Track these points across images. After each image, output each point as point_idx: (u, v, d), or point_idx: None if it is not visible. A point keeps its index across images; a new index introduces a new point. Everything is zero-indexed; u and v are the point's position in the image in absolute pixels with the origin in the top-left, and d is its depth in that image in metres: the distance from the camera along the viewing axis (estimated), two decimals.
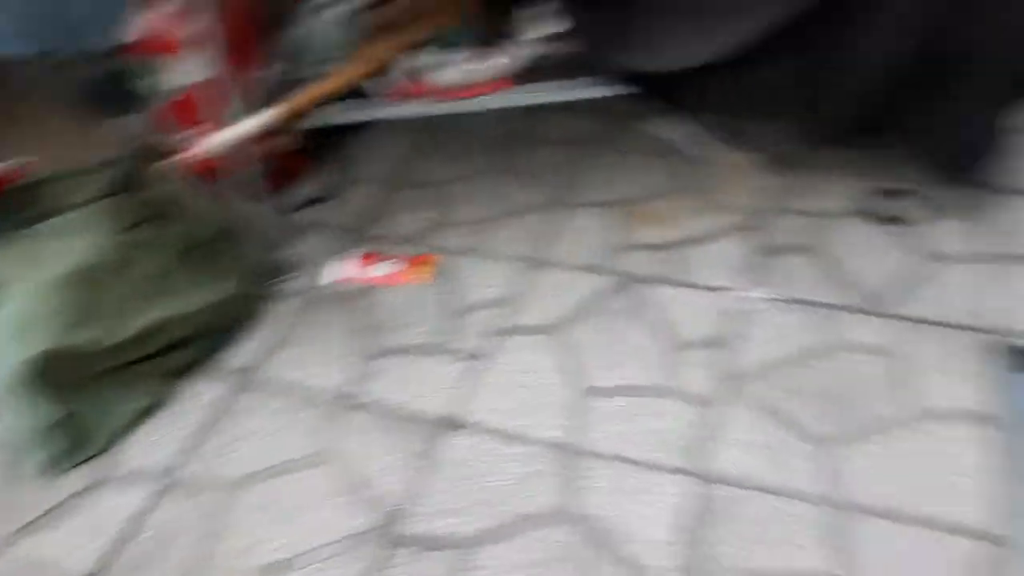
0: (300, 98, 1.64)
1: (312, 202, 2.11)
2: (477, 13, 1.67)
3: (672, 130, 2.06)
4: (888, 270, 1.74)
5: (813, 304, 1.70)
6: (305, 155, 2.16)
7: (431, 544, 1.43)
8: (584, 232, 1.94)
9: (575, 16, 1.47)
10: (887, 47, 1.45)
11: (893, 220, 1.82)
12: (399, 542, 1.44)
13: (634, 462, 1.50)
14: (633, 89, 1.57)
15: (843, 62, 1.50)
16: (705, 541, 1.38)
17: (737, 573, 1.34)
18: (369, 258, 1.91)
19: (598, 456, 1.52)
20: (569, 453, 1.53)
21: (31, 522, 1.54)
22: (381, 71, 1.65)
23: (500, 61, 1.66)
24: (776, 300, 1.72)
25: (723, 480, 1.46)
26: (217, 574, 1.43)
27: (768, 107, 1.63)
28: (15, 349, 1.50)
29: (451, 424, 1.61)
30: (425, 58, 1.66)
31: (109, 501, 1.56)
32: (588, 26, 1.47)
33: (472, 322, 1.78)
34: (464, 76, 1.64)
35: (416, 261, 1.90)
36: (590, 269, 1.86)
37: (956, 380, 1.54)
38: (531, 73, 1.66)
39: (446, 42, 1.69)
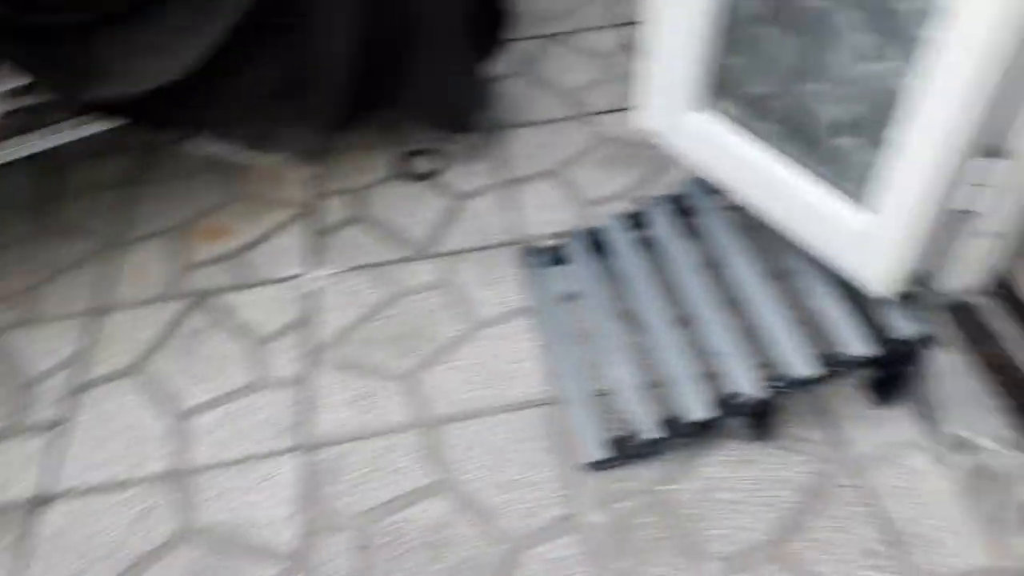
0: None
1: None
2: None
3: (212, 144, 2.12)
4: (428, 218, 1.99)
5: (372, 265, 1.89)
6: None
7: None
8: (146, 265, 1.92)
9: (31, 65, 1.44)
10: (336, 39, 1.65)
11: (424, 176, 2.08)
12: None
13: (241, 459, 1.56)
14: (123, 120, 1.59)
15: (307, 59, 1.67)
16: (322, 500, 1.49)
17: (357, 517, 1.47)
18: None
19: (207, 468, 1.55)
20: (177, 478, 1.53)
21: None
22: None
23: None
24: (339, 272, 1.88)
25: (327, 443, 1.57)
26: None
27: (262, 111, 1.77)
28: None
29: (43, 500, 1.51)
30: None
31: None
32: (49, 70, 1.45)
33: (43, 392, 1.68)
34: None
35: None
36: (160, 299, 1.85)
37: (498, 289, 1.82)
38: (9, 127, 1.59)
39: None
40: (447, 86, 1.94)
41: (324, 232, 1.98)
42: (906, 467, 1.46)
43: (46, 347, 1.76)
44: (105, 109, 1.59)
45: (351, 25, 1.64)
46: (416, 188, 2.07)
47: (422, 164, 2.12)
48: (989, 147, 1.21)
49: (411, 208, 2.02)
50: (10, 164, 1.84)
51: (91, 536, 1.46)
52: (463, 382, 1.66)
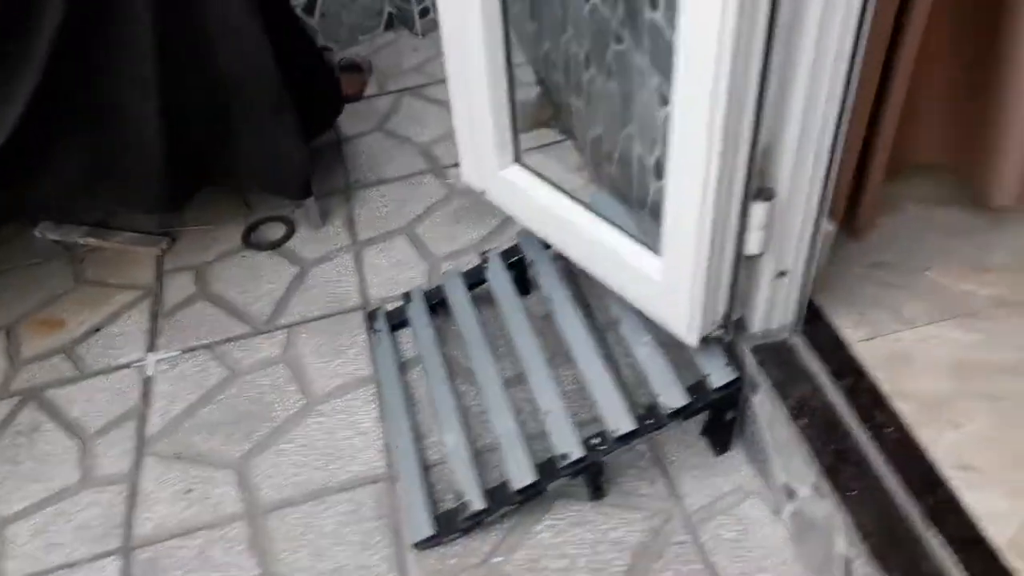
0: None
1: None
2: None
3: (57, 229, 2.06)
4: (272, 290, 1.93)
5: (210, 345, 1.83)
6: None
7: None
8: None
9: None
10: (140, 115, 1.62)
11: (271, 245, 2.03)
12: None
13: (55, 569, 1.48)
14: None
15: (116, 138, 1.63)
16: None
17: None
18: None
19: None
20: None
21: None
22: None
23: None
24: (176, 355, 1.81)
25: (149, 542, 1.49)
26: None
27: (82, 194, 1.72)
28: None
29: None
30: None
31: None
32: None
33: None
34: None
35: None
36: None
37: (340, 359, 1.76)
38: None
39: None
40: (277, 155, 1.90)
41: (165, 314, 1.91)
42: (740, 517, 1.42)
43: None
44: None
45: (151, 99, 1.60)
46: (263, 258, 2.02)
47: (269, 233, 2.07)
48: (762, 190, 1.18)
49: (256, 280, 1.96)
50: None
51: None
52: (296, 464, 1.59)
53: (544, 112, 2.22)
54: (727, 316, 1.36)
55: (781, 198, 1.19)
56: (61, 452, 1.66)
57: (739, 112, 1.07)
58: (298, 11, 2.43)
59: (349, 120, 2.32)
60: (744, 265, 1.28)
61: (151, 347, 1.84)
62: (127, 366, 1.81)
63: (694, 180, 1.15)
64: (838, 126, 1.13)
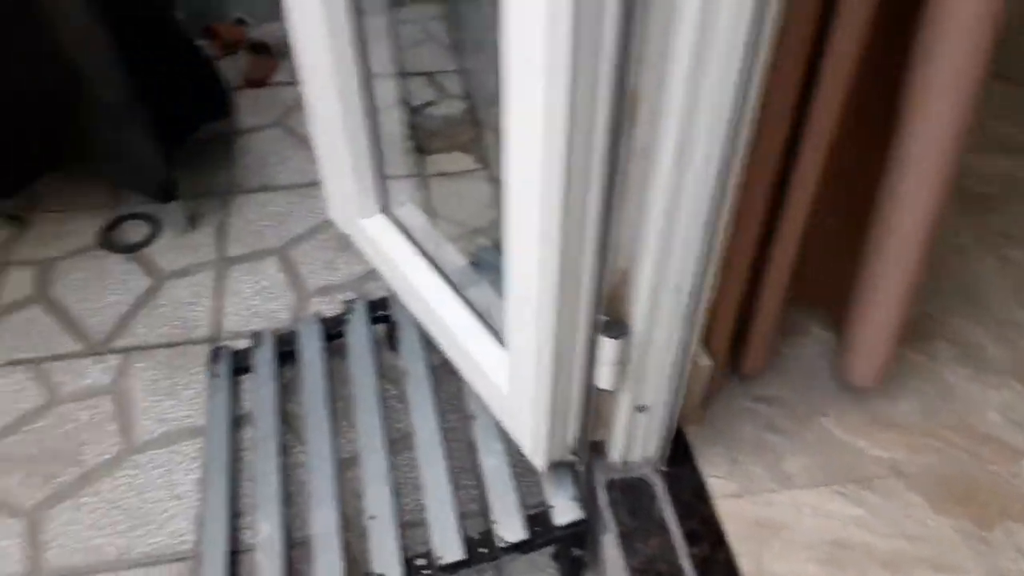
0: None
1: None
2: None
3: None
4: (118, 302, 1.72)
5: (33, 361, 1.61)
6: None
7: None
8: None
9: None
10: None
11: (129, 248, 1.81)
12: None
13: None
14: None
15: None
16: None
17: None
18: None
19: None
20: None
21: None
22: None
23: None
24: None
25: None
26: None
27: None
28: None
29: None
30: None
31: None
32: None
33: None
34: None
35: None
36: None
37: (172, 400, 1.56)
38: None
39: None
40: (131, 151, 1.67)
41: None
42: None
43: None
44: None
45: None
46: (116, 262, 1.79)
47: (130, 233, 1.84)
48: (613, 324, 0.99)
49: (102, 288, 1.74)
50: None
51: None
52: (94, 525, 1.39)
53: (464, 132, 1.99)
54: (581, 441, 1.18)
55: (637, 333, 1.00)
56: None
57: (579, 228, 0.87)
58: None
59: (248, 108, 2.08)
60: (597, 393, 1.10)
61: None
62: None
63: (527, 297, 0.96)
64: (708, 252, 0.93)
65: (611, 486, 1.20)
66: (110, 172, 1.71)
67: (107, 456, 1.48)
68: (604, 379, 1.05)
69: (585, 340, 1.02)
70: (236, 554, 1.34)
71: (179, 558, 1.35)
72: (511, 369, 1.14)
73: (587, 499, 1.22)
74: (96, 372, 1.60)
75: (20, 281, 1.75)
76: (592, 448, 1.20)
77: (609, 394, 1.09)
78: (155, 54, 1.56)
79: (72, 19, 1.38)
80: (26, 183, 1.70)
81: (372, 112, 1.29)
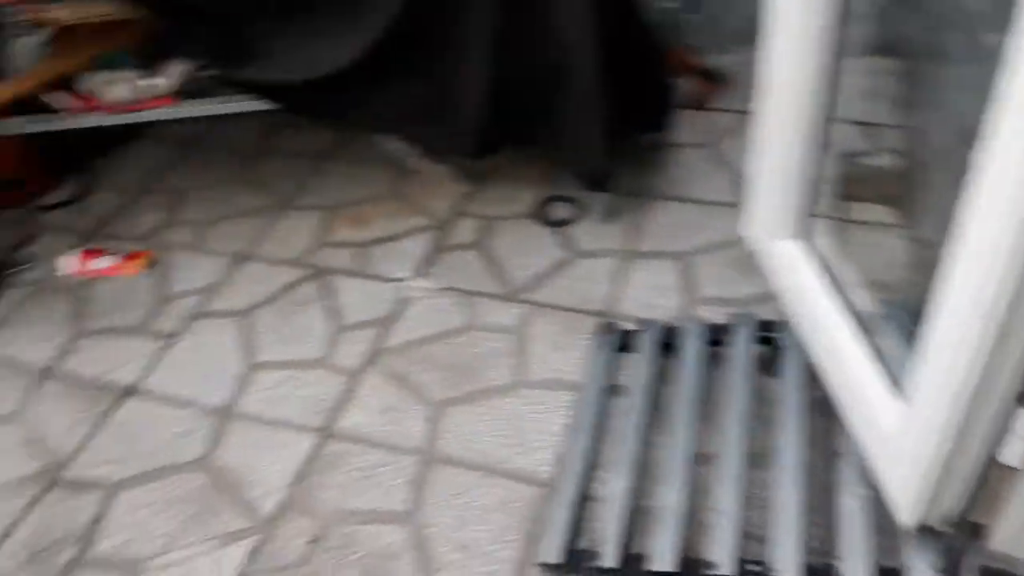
0: None
1: (53, 207, 2.35)
2: (137, 41, 1.94)
3: (392, 144, 2.33)
4: (537, 264, 2.01)
5: (464, 292, 1.96)
6: (56, 167, 2.42)
7: (80, 487, 1.65)
8: (294, 232, 2.20)
9: (197, 44, 1.71)
10: (474, 69, 1.72)
11: (555, 223, 2.10)
12: (57, 484, 1.66)
13: (273, 421, 1.74)
14: (274, 104, 1.82)
15: (449, 83, 1.76)
16: (314, 486, 1.61)
17: (331, 515, 1.57)
18: (94, 253, 2.14)
19: (245, 417, 1.75)
20: (222, 416, 1.76)
21: None
22: (50, 89, 1.90)
23: (159, 81, 1.95)
24: (435, 289, 1.98)
25: (344, 436, 1.69)
26: None
27: (407, 124, 1.89)
28: None
29: (130, 392, 1.83)
30: (95, 77, 1.93)
31: None
32: (214, 50, 1.71)
33: (173, 308, 2.02)
34: (128, 93, 1.91)
35: (133, 256, 2.14)
36: (288, 263, 2.10)
37: (562, 355, 1.79)
38: (191, 90, 1.95)
39: (112, 64, 1.95)
40: (586, 140, 1.93)
41: (444, 248, 2.09)
42: None
43: (192, 273, 2.11)
44: (260, 91, 1.84)
45: (487, 59, 1.70)
46: (542, 233, 2.10)
47: (558, 211, 2.13)
48: None
49: (528, 250, 2.05)
50: (229, 118, 2.18)
51: (142, 434, 1.75)
52: (481, 432, 1.68)
53: (892, 186, 1.96)
54: (961, 514, 1.13)
55: None
56: (317, 329, 1.93)
57: None
58: (677, 5, 2.38)
59: (684, 126, 2.26)
60: (997, 468, 1.04)
61: (420, 273, 2.03)
62: (397, 280, 2.02)
63: (946, 359, 0.95)
64: None
65: (983, 574, 1.13)
66: (560, 154, 2.00)
67: (502, 382, 1.76)
68: (1013, 455, 1.00)
69: (999, 409, 0.99)
70: (585, 499, 1.52)
71: (537, 484, 1.57)
72: (905, 420, 1.13)
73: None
74: (506, 314, 1.90)
75: (467, 229, 2.15)
76: (971, 528, 1.14)
77: (1012, 472, 1.04)
78: (630, 58, 1.79)
79: (571, 18, 1.66)
80: (494, 151, 2.06)
81: (821, 148, 1.36)
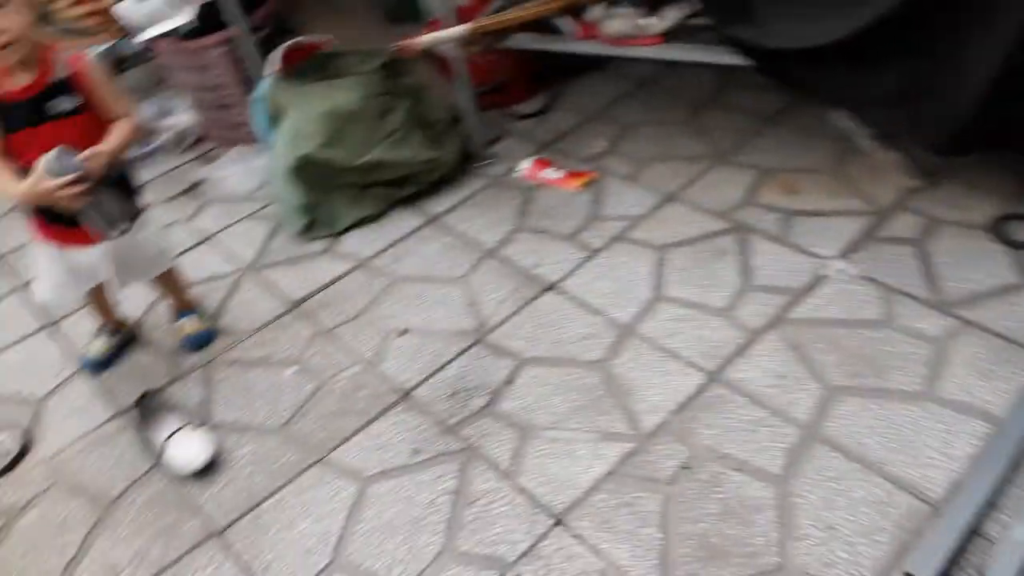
0: (490, 20, 2.17)
1: (524, 116, 2.69)
2: None
3: (844, 121, 2.26)
4: (978, 280, 1.85)
5: (887, 287, 1.88)
6: (533, 82, 2.76)
7: (499, 352, 1.94)
8: (726, 184, 2.28)
9: None
10: (975, 56, 1.56)
11: (1017, 245, 1.89)
12: (480, 342, 1.97)
13: (669, 350, 1.86)
14: (751, 63, 1.84)
15: (936, 68, 1.63)
16: (694, 420, 1.71)
17: (705, 450, 1.66)
18: (545, 163, 2.44)
19: (644, 339, 1.90)
20: (624, 330, 1.93)
21: (280, 262, 2.35)
22: (564, 13, 2.13)
23: (654, 21, 2.07)
24: (856, 275, 1.92)
25: (731, 386, 1.76)
26: (366, 324, 2.09)
27: (867, 102, 1.79)
28: (287, 151, 2.30)
29: (552, 287, 2.09)
30: (598, 10, 2.12)
31: (327, 265, 2.30)
32: (715, 2, 1.77)
33: (600, 227, 2.24)
34: (625, 28, 2.07)
35: (578, 174, 2.39)
36: (712, 213, 2.19)
37: (980, 380, 1.66)
38: (678, 35, 2.05)
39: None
40: None
41: (876, 238, 2.02)
42: None
43: (624, 200, 2.30)
44: (744, 49, 1.87)
45: (995, 49, 1.55)
46: (995, 249, 1.91)
47: (1020, 231, 1.91)
48: None
49: (972, 263, 1.89)
50: (688, 65, 2.29)
51: (555, 325, 1.98)
52: (872, 429, 1.62)
53: None
54: None
55: None
56: (726, 280, 1.99)
57: None
58: None
59: None
60: None
61: (844, 255, 1.98)
62: (815, 256, 2.00)
63: None
64: None
65: None
66: None
67: (908, 388, 1.67)
68: None
69: None
70: (975, 533, 1.41)
71: (922, 499, 1.49)
72: None
73: None
74: (930, 322, 1.79)
75: (907, 224, 2.03)
76: None
77: None
78: None
79: None
80: (967, 151, 1.90)
81: None
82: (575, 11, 2.13)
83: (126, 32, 2.78)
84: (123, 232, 1.80)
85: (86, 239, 1.82)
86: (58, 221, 1.78)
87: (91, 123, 1.75)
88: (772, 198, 2.21)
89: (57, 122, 1.70)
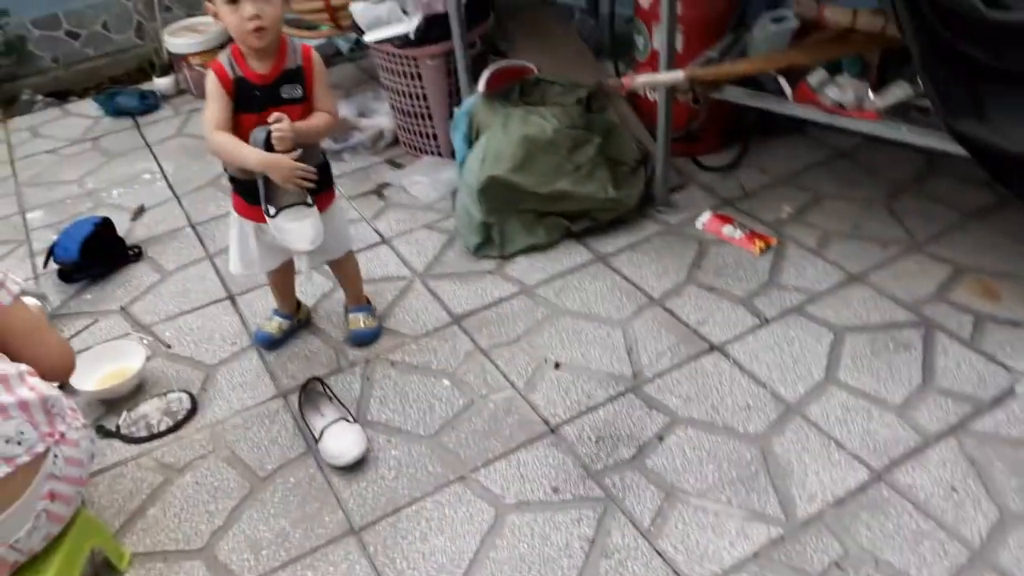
0: (707, 70, 2.15)
1: (711, 168, 2.65)
2: (871, 57, 1.99)
3: None
4: None
5: None
6: (726, 134, 2.73)
7: (653, 405, 1.91)
8: (918, 275, 2.16)
9: (931, 77, 1.66)
10: None
11: None
12: (634, 391, 1.95)
13: (835, 439, 1.78)
14: (978, 162, 1.72)
15: None
16: (853, 518, 1.62)
17: (861, 552, 1.55)
18: (726, 220, 2.39)
19: (809, 421, 1.83)
20: (789, 408, 1.86)
21: (450, 274, 2.41)
22: (784, 73, 2.08)
23: (874, 97, 2.00)
24: None
25: (898, 489, 1.66)
26: (522, 350, 2.10)
27: None
28: (479, 169, 2.36)
29: (717, 349, 2.04)
30: (819, 75, 2.06)
31: (493, 286, 2.35)
32: (942, 89, 1.66)
33: (776, 295, 2.17)
34: (844, 99, 1.99)
35: (760, 237, 2.33)
36: (900, 302, 2.09)
37: None
38: (895, 114, 1.97)
39: (841, 67, 2.06)
40: None
41: None
42: None
43: (802, 272, 2.23)
44: (966, 143, 1.76)
45: None
46: None
47: None
48: None
49: None
50: (894, 143, 2.19)
51: (715, 389, 1.93)
52: None
53: None
54: None
55: None
56: (906, 377, 1.89)
57: None
58: None
59: None
60: None
61: None
62: (1007, 368, 1.87)
63: None
64: None
65: None
66: None
67: None
68: None
69: None
70: None
71: None
72: None
73: None
74: None
75: None
76: None
77: None
78: None
79: None
80: None
81: None
82: (795, 72, 2.09)
83: (351, 30, 2.93)
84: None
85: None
86: (258, 202, 1.89)
87: (308, 112, 1.86)
88: (967, 298, 2.07)
89: (286, 107, 1.81)
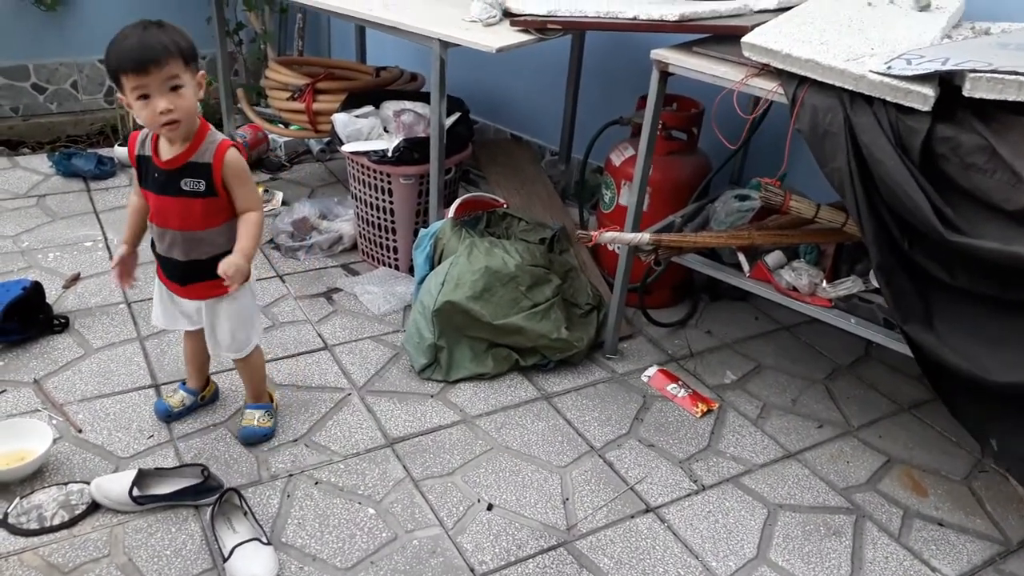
0: (672, 237, 2.23)
1: (660, 323, 2.70)
2: (827, 247, 2.13)
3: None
4: None
5: None
6: (678, 292, 2.81)
7: (584, 564, 1.84)
8: (851, 460, 2.20)
9: (886, 279, 1.75)
10: None
11: None
12: (566, 546, 1.87)
13: None
14: (924, 371, 1.79)
15: None
16: None
17: None
18: (670, 377, 2.42)
19: None
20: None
21: (390, 392, 2.35)
22: (744, 250, 2.17)
23: (827, 287, 2.09)
24: None
25: None
26: (455, 485, 2.02)
27: None
28: (438, 291, 2.36)
29: (652, 511, 2.00)
30: (777, 257, 2.17)
31: (433, 411, 2.28)
32: (895, 291, 1.75)
33: (714, 462, 2.16)
34: (798, 284, 2.10)
35: (701, 399, 2.36)
36: (834, 486, 2.10)
37: None
38: (846, 304, 2.07)
39: (796, 253, 2.17)
40: None
41: (999, 571, 1.88)
42: None
43: (742, 441, 2.24)
44: (915, 349, 1.82)
45: None
46: None
47: None
48: None
49: None
50: (844, 332, 2.29)
51: (646, 551, 1.90)
52: None
53: None
54: None
55: None
56: (835, 564, 1.87)
57: None
58: None
59: None
60: None
61: None
62: (932, 569, 1.88)
63: None
64: None
65: None
66: None
67: None
68: None
69: None
70: None
71: None
72: None
73: None
74: None
75: None
76: None
77: None
78: None
79: None
80: None
81: None
82: (756, 251, 2.17)
83: (327, 135, 2.95)
84: None
85: (183, 292, 1.95)
86: (167, 275, 1.94)
87: (214, 206, 1.82)
88: (897, 491, 2.11)
89: (186, 199, 1.79)
